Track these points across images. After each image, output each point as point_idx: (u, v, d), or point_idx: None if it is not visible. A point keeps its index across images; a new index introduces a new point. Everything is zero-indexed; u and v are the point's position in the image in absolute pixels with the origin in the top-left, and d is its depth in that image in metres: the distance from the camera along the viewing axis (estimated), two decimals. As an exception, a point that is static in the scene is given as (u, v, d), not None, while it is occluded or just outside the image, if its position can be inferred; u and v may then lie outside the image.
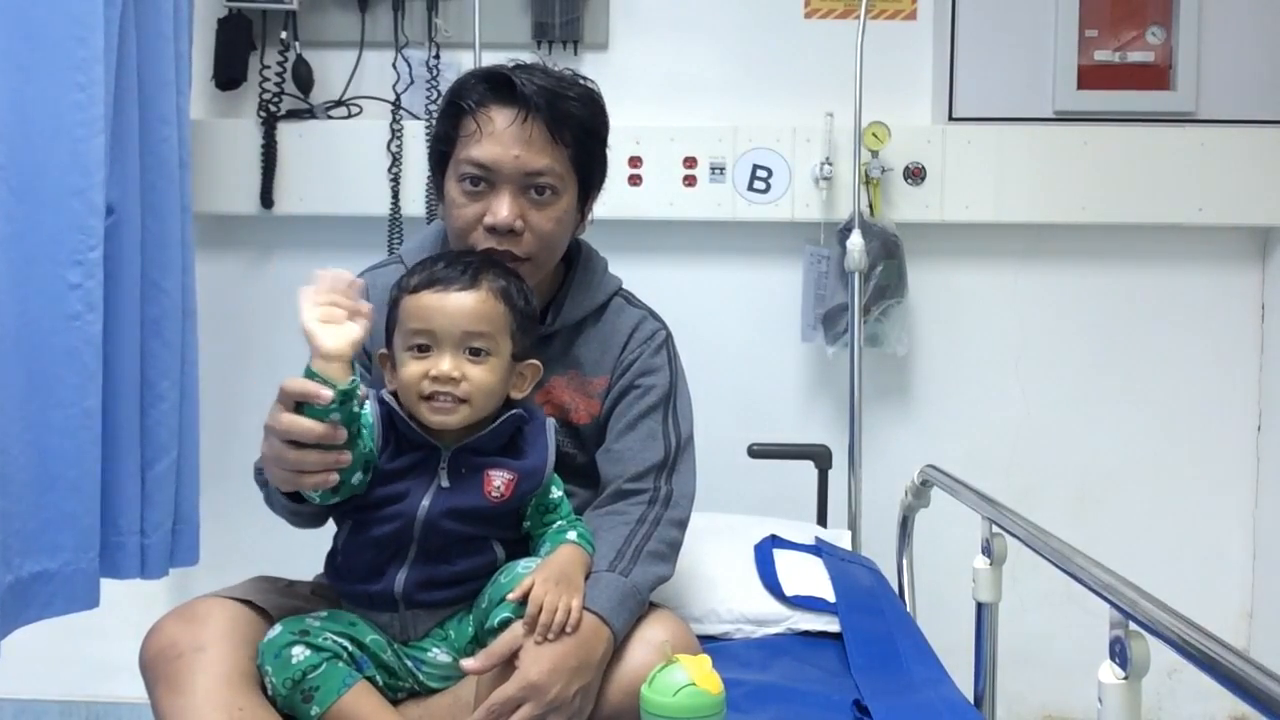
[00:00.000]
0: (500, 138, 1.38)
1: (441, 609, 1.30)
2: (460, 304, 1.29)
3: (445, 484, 1.28)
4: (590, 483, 1.48)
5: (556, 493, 1.36)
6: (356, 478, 1.25)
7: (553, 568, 1.25)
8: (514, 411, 1.32)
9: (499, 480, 1.29)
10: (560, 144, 1.40)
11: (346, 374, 1.19)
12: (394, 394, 1.32)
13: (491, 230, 1.38)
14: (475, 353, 1.28)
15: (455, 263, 1.33)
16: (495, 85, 1.40)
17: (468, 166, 1.39)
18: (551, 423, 1.37)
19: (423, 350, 1.28)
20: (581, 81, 1.45)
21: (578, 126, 1.42)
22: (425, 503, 1.27)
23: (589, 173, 1.47)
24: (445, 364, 1.27)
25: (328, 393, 1.16)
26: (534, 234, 1.40)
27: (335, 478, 1.21)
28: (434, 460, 1.29)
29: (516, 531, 1.35)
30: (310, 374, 1.18)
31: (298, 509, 1.31)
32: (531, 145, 1.38)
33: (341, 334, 1.19)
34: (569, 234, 1.47)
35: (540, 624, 1.19)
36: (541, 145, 1.39)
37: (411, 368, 1.28)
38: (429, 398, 1.27)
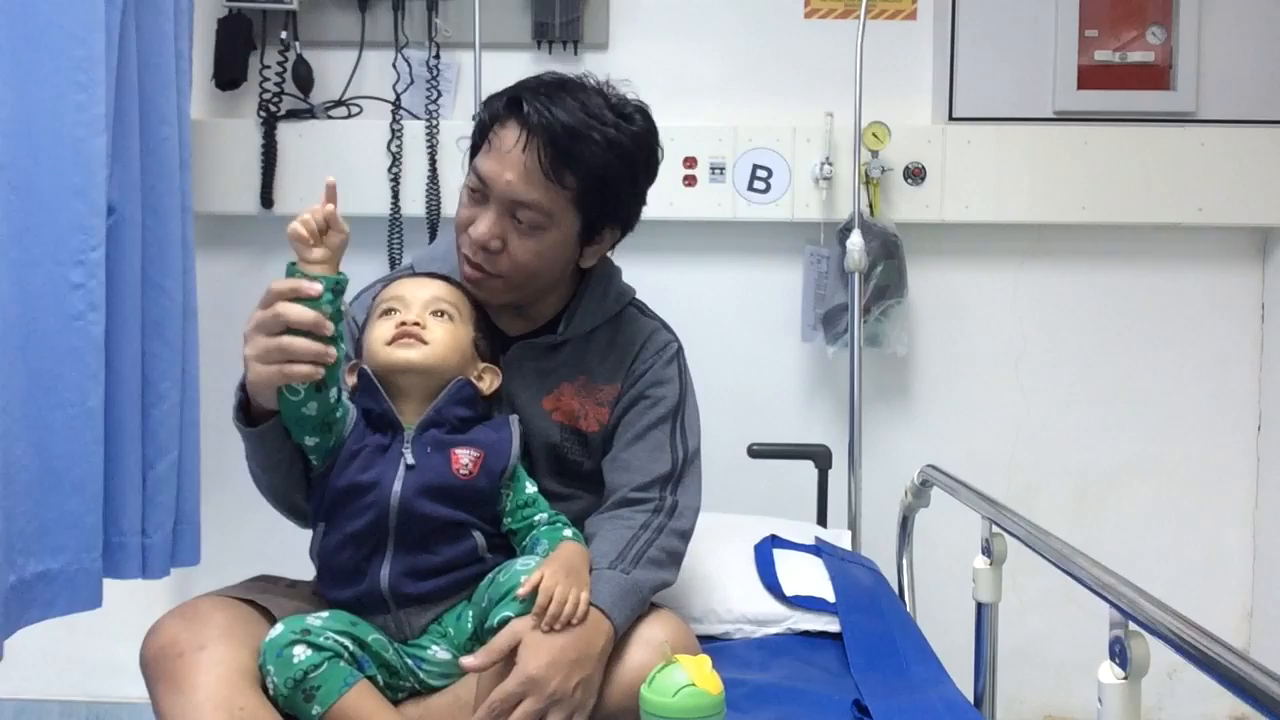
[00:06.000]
0: (501, 157, 1.37)
1: (432, 603, 1.31)
2: (429, 283, 1.41)
3: (410, 462, 1.30)
4: (595, 489, 1.48)
5: (531, 488, 1.39)
6: (334, 393, 1.27)
7: (560, 561, 1.26)
8: (464, 377, 1.37)
9: (466, 458, 1.32)
10: (556, 183, 1.36)
11: (332, 273, 1.25)
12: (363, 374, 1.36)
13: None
14: (440, 315, 1.37)
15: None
16: (511, 103, 1.38)
17: (472, 174, 1.41)
18: (515, 418, 1.41)
19: (392, 313, 1.36)
20: (617, 120, 1.37)
21: (585, 172, 1.37)
22: (396, 487, 1.29)
23: (596, 215, 1.42)
24: (412, 313, 1.35)
25: (317, 286, 1.22)
26: (511, 259, 1.40)
27: (321, 371, 1.23)
28: (398, 442, 1.32)
29: (496, 524, 1.36)
30: (294, 272, 1.24)
31: (274, 440, 1.30)
32: (526, 176, 1.36)
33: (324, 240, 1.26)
34: (558, 264, 1.45)
35: (549, 614, 1.20)
36: (535, 178, 1.36)
37: (380, 324, 1.36)
38: (393, 341, 1.34)
